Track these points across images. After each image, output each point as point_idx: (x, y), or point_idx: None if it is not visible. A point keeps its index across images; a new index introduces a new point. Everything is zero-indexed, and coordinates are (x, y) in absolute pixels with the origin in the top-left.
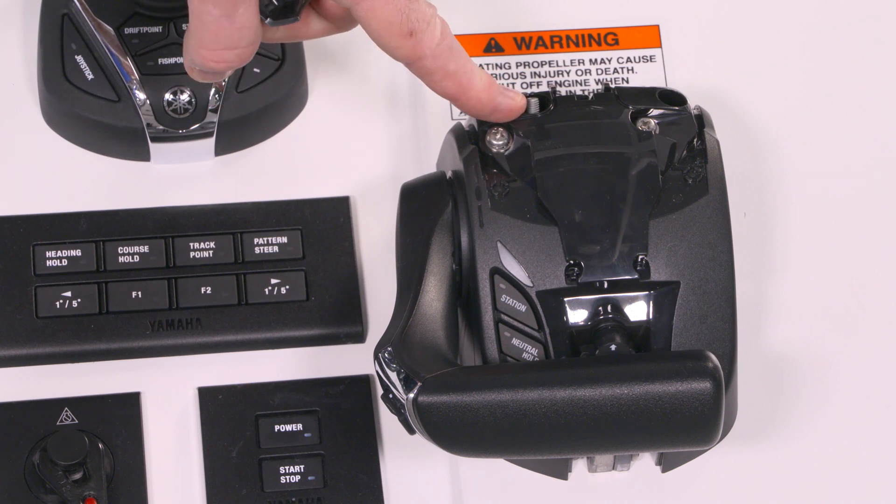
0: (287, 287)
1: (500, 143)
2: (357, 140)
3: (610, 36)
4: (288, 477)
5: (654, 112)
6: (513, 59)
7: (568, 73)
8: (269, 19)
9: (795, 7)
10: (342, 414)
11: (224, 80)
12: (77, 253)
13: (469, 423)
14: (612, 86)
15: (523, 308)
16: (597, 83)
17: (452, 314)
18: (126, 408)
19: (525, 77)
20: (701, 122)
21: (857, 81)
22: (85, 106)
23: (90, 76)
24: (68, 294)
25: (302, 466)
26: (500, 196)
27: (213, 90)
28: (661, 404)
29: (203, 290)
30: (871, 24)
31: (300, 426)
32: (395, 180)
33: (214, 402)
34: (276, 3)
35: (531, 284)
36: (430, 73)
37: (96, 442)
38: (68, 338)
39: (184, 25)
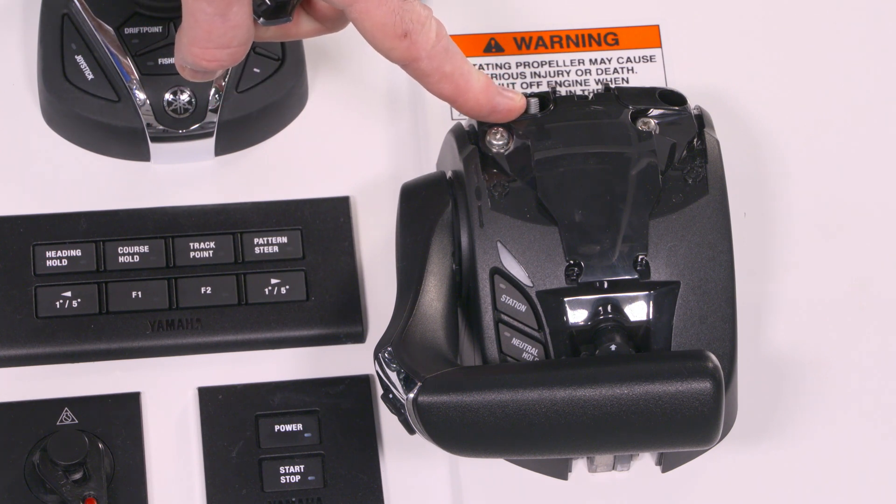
0: (287, 287)
1: (500, 143)
2: (357, 140)
3: (610, 36)
4: (288, 477)
5: (654, 112)
6: (513, 59)
7: (568, 73)
8: (261, 19)
9: (795, 7)
10: (342, 414)
11: (224, 80)
12: (77, 253)
13: (469, 423)
14: (612, 86)
15: (523, 308)
16: (597, 83)
17: (452, 314)
18: (126, 408)
19: (525, 77)
20: (701, 122)
21: (857, 81)
22: (85, 106)
23: (90, 76)
24: (68, 294)
25: (302, 466)
26: (500, 196)
27: (213, 90)
28: (661, 404)
29: (203, 290)
30: (871, 24)
31: (300, 426)
32: (395, 180)
33: (214, 402)
34: (268, 2)
35: (531, 284)
36: (426, 75)
37: (96, 442)
38: (68, 338)
39: None
